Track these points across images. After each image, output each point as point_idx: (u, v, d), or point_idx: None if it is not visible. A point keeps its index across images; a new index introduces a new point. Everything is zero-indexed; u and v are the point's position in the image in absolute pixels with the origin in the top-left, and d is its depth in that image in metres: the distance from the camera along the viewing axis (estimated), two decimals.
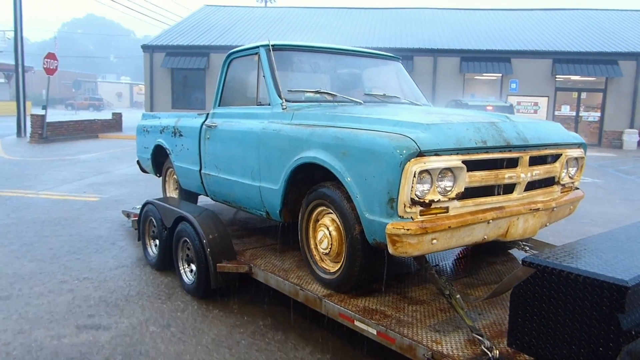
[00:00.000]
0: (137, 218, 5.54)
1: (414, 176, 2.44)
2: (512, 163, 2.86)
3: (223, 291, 3.91)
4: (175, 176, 5.42)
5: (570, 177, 3.35)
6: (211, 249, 3.73)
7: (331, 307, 2.87)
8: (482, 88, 21.07)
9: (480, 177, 2.71)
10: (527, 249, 3.36)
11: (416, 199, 2.49)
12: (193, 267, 4.09)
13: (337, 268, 3.01)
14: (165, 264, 4.51)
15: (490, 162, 2.75)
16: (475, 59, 20.09)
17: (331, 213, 3.03)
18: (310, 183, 3.26)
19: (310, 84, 3.78)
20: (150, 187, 8.82)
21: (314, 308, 3.03)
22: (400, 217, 2.50)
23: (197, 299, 3.92)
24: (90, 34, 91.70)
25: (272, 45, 3.74)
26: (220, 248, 3.78)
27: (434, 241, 2.53)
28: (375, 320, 2.63)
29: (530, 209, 2.95)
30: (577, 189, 3.53)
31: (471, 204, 2.72)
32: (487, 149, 2.72)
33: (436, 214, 2.59)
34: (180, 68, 22.04)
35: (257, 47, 3.81)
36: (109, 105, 59.83)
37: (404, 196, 2.47)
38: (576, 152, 3.30)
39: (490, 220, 2.74)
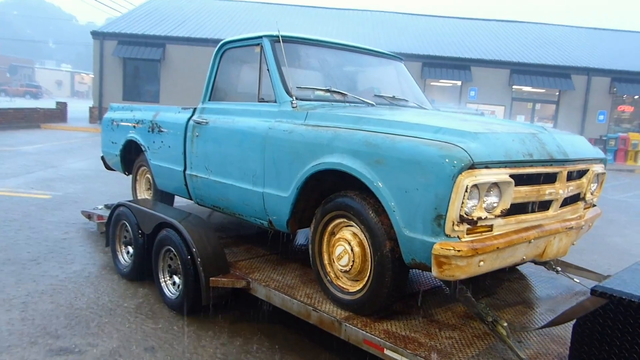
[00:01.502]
0: (102, 221, 5.04)
1: (466, 191, 2.17)
2: (551, 178, 2.65)
3: (208, 307, 3.50)
4: (148, 175, 4.94)
5: (591, 193, 3.20)
6: (202, 260, 3.32)
7: (354, 332, 2.56)
8: (442, 94, 21.31)
9: (525, 193, 2.48)
10: (559, 270, 3.17)
11: (465, 216, 2.22)
12: (176, 279, 3.66)
13: (358, 288, 2.69)
14: (141, 274, 4.04)
15: (533, 176, 2.53)
16: (436, 65, 20.29)
17: (352, 226, 2.72)
18: (322, 192, 2.94)
19: (317, 81, 3.45)
20: (109, 185, 8.18)
21: (330, 332, 2.70)
22: (447, 236, 2.22)
23: (182, 315, 3.49)
24: (27, 16, 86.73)
25: (278, 36, 3.38)
26: (213, 259, 3.38)
27: (481, 263, 2.27)
28: (411, 349, 2.34)
29: (566, 227, 2.76)
30: (595, 205, 3.39)
31: (513, 222, 2.48)
32: (532, 163, 2.49)
33: (481, 232, 2.34)
34: (133, 58, 20.98)
35: (260, 37, 3.44)
36: (47, 93, 56.58)
37: (454, 213, 2.19)
38: (600, 168, 3.14)
39: (532, 240, 2.51)
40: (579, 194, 3.02)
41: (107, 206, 5.70)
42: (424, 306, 2.89)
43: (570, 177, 2.82)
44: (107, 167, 5.71)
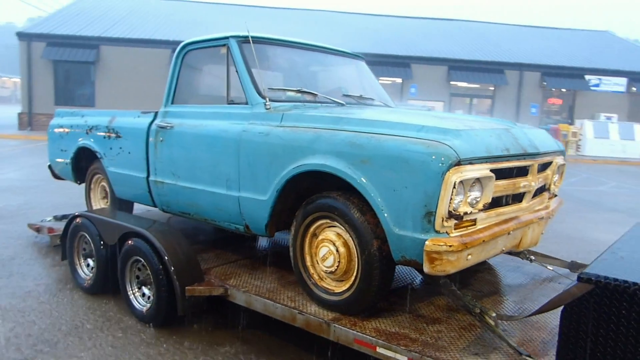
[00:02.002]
0: (54, 233, 4.77)
1: (454, 187, 2.22)
2: (523, 171, 2.76)
3: (181, 317, 3.37)
4: (104, 183, 4.71)
5: (554, 184, 3.36)
6: (176, 269, 3.20)
7: (343, 332, 2.55)
8: None
9: (503, 187, 2.56)
10: (533, 258, 3.31)
11: (453, 212, 2.27)
12: (146, 290, 3.52)
13: (344, 288, 2.69)
14: (104, 287, 3.85)
15: (510, 170, 2.62)
16: (377, 63, 20.63)
17: (335, 226, 2.71)
18: (298, 194, 2.92)
19: (286, 82, 3.42)
20: (51, 195, 7.74)
21: (317, 334, 2.69)
22: (437, 232, 2.26)
23: (155, 327, 3.36)
24: None
25: (245, 37, 3.31)
26: (187, 268, 3.27)
27: (469, 257, 2.33)
28: (404, 345, 2.36)
29: (538, 218, 2.88)
30: (557, 195, 3.57)
31: (493, 215, 2.57)
32: (509, 157, 2.58)
33: (467, 227, 2.40)
34: (65, 60, 19.96)
35: (226, 37, 3.36)
36: None
37: (443, 209, 2.23)
38: (561, 160, 3.31)
39: (511, 232, 2.61)
40: (544, 185, 3.16)
41: (56, 217, 5.41)
42: (403, 301, 2.93)
43: (539, 169, 2.95)
44: (55, 176, 5.39)
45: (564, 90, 22.19)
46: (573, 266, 3.41)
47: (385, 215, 2.37)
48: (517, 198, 2.80)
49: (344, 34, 23.18)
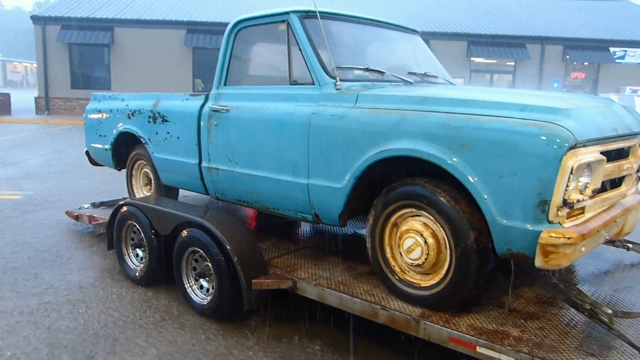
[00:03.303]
0: (97, 222, 4.63)
1: (571, 172, 2.01)
2: (625, 153, 2.53)
3: (234, 310, 3.19)
4: (147, 169, 4.54)
5: None
6: (240, 260, 3.03)
7: (436, 330, 2.37)
8: None
9: (610, 170, 2.34)
10: (630, 246, 3.10)
11: (567, 200, 2.06)
12: (204, 283, 3.36)
13: (434, 282, 2.50)
14: (156, 278, 3.71)
15: (615, 152, 2.39)
16: None
17: (421, 216, 2.51)
18: (371, 181, 2.72)
19: (352, 60, 3.18)
20: (80, 181, 7.63)
21: (405, 331, 2.50)
22: (550, 222, 2.05)
23: (217, 322, 3.21)
24: None
25: (307, 12, 3.08)
26: (251, 259, 3.10)
27: (583, 248, 2.12)
28: (509, 345, 2.18)
29: (638, 202, 2.66)
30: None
31: (599, 202, 2.35)
32: (616, 138, 2.35)
33: (576, 216, 2.19)
34: (80, 43, 19.75)
35: (286, 13, 3.12)
36: None
37: (558, 197, 2.03)
38: None
39: (618, 219, 2.40)
40: None
41: (94, 204, 5.28)
42: (485, 293, 2.73)
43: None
44: (93, 162, 5.24)
45: (586, 63, 21.59)
46: None
47: (489, 204, 2.17)
48: (617, 182, 2.57)
49: (356, 5, 22.66)
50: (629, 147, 2.53)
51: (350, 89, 2.81)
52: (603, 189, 2.43)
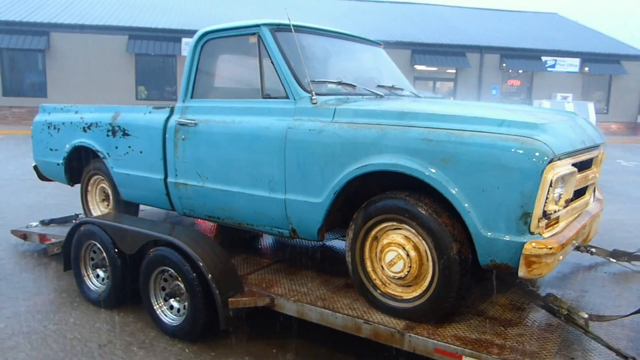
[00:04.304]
0: (49, 241, 4.38)
1: (550, 185, 2.10)
2: (589, 164, 2.67)
3: (208, 330, 3.10)
4: (103, 185, 4.34)
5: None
6: (215, 278, 2.95)
7: (421, 342, 2.40)
8: None
9: (579, 181, 2.47)
10: (594, 250, 3.25)
11: (547, 211, 2.15)
12: (174, 303, 3.25)
13: (416, 294, 2.53)
14: (119, 300, 3.54)
15: (581, 163, 2.52)
16: None
17: (401, 229, 2.54)
18: (347, 195, 2.73)
19: (323, 73, 3.19)
20: (22, 195, 7.18)
21: (389, 344, 2.52)
22: (531, 233, 2.13)
23: (191, 343, 3.10)
24: None
25: (277, 25, 3.06)
26: (225, 277, 3.02)
27: (560, 257, 2.22)
28: (495, 353, 2.24)
29: (599, 210, 2.82)
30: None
31: (570, 211, 2.47)
32: (583, 151, 2.48)
33: (552, 226, 2.29)
34: (12, 48, 18.64)
35: (256, 26, 3.08)
36: None
37: (539, 209, 2.11)
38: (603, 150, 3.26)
39: (587, 226, 2.53)
40: None
41: (43, 222, 4.98)
42: (469, 303, 2.80)
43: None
44: (42, 177, 4.94)
45: (521, 71, 22.71)
46: (615, 254, 3.39)
47: (472, 217, 2.22)
48: (581, 191, 2.71)
49: (303, 15, 22.79)
50: (592, 158, 2.68)
51: (327, 102, 2.81)
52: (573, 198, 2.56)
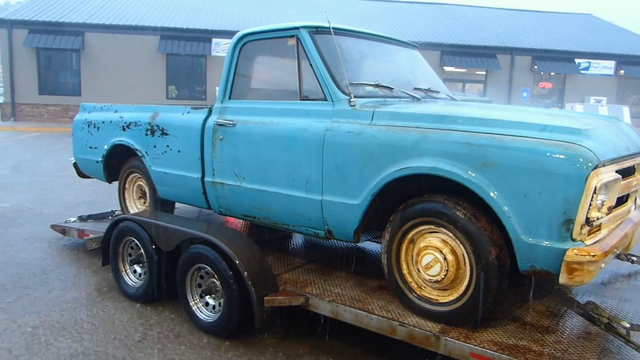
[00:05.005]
0: (87, 237, 4.50)
1: (594, 192, 2.08)
2: (632, 170, 2.63)
3: (242, 328, 3.16)
4: (141, 182, 4.45)
5: None
6: (250, 277, 2.99)
7: (457, 346, 2.40)
8: None
9: (622, 188, 2.42)
10: (634, 259, 3.20)
11: (590, 218, 2.13)
12: (210, 300, 3.31)
13: (452, 297, 2.53)
14: (157, 295, 3.63)
15: (625, 170, 2.48)
16: None
17: (438, 232, 2.54)
18: (384, 197, 2.74)
19: (361, 76, 3.21)
20: (61, 192, 7.40)
21: (424, 347, 2.52)
22: (574, 240, 2.11)
23: (225, 340, 3.16)
24: None
25: (316, 27, 3.09)
26: (260, 275, 3.06)
27: (603, 265, 2.19)
28: None
29: None
30: None
31: (612, 218, 2.43)
32: (627, 157, 2.44)
33: (595, 233, 2.26)
34: (49, 48, 19.20)
35: (295, 28, 3.12)
36: None
37: (582, 216, 2.09)
38: None
39: (629, 234, 2.48)
40: None
41: (80, 218, 5.14)
42: (504, 308, 2.78)
43: None
44: (80, 174, 5.10)
45: (553, 74, 22.30)
46: None
47: (513, 222, 2.21)
48: (623, 198, 2.67)
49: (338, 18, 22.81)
50: (635, 165, 2.63)
51: (366, 105, 2.83)
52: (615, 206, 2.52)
